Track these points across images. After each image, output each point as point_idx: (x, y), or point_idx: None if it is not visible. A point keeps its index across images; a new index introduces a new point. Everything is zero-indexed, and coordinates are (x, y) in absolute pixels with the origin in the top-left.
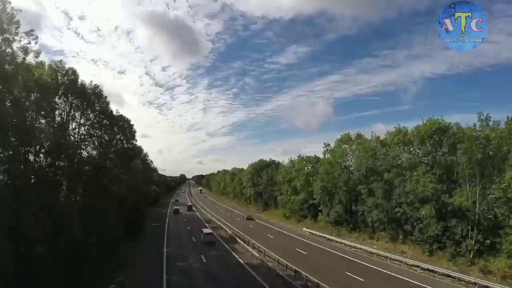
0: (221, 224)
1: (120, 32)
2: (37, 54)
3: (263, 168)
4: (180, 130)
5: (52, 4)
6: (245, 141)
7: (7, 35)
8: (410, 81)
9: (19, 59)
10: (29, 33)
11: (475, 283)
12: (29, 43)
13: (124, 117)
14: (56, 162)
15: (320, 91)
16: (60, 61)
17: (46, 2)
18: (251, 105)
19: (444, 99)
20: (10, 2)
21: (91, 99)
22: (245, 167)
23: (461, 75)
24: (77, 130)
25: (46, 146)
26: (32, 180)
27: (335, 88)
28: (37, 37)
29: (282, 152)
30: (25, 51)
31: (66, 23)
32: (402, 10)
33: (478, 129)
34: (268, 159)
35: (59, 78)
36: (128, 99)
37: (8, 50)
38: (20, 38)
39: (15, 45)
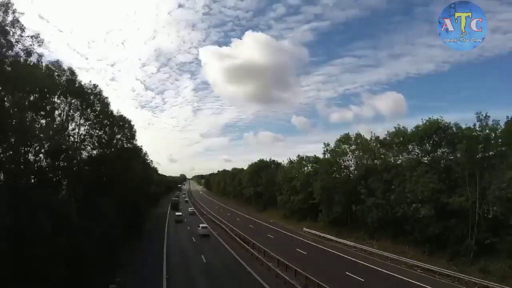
0: (220, 224)
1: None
2: (40, 56)
3: (263, 168)
4: (174, 132)
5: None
6: (239, 140)
7: (10, 37)
8: (395, 81)
9: (21, 60)
10: (34, 37)
11: (475, 283)
12: (32, 45)
13: (125, 117)
14: (56, 162)
15: (306, 91)
16: (57, 61)
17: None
18: (240, 106)
19: (433, 97)
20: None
21: (90, 99)
22: (245, 167)
23: (447, 73)
24: (76, 130)
25: (46, 146)
26: (32, 180)
27: (321, 88)
28: (41, 39)
29: (278, 151)
30: (28, 53)
31: None
32: (376, 10)
33: (477, 128)
34: (268, 159)
35: (56, 77)
36: (123, 102)
37: (10, 52)
38: (24, 40)
39: (18, 47)
